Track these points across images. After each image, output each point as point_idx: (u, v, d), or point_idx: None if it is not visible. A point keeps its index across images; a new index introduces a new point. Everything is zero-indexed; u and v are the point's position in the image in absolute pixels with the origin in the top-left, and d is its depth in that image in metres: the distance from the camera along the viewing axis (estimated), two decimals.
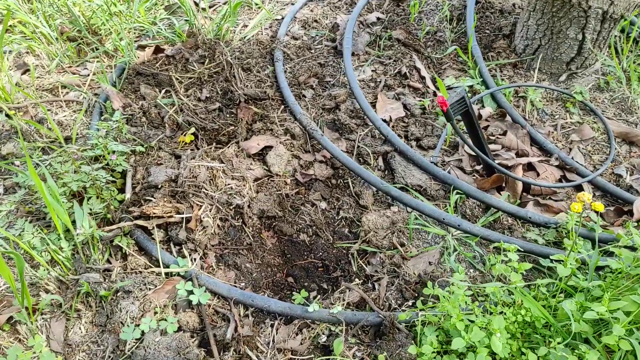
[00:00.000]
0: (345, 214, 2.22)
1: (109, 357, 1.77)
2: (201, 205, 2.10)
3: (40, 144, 2.41)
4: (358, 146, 2.44)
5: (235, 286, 1.98)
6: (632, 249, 1.92)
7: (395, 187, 2.21)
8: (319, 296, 1.98)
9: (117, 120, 2.32)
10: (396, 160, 2.34)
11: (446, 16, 3.16)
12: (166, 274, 1.95)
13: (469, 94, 2.71)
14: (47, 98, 2.75)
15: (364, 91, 2.71)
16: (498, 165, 2.22)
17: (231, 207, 2.14)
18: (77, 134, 2.52)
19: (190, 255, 2.02)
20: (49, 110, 2.68)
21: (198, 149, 2.43)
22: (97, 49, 3.00)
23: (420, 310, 1.75)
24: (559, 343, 1.53)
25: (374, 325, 1.80)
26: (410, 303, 1.87)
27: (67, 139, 2.51)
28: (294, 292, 2.01)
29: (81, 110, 2.61)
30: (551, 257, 1.75)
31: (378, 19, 3.18)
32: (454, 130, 1.99)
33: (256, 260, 2.11)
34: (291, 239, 2.17)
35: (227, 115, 2.55)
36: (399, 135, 2.47)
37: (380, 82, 2.77)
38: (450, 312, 1.62)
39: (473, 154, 2.35)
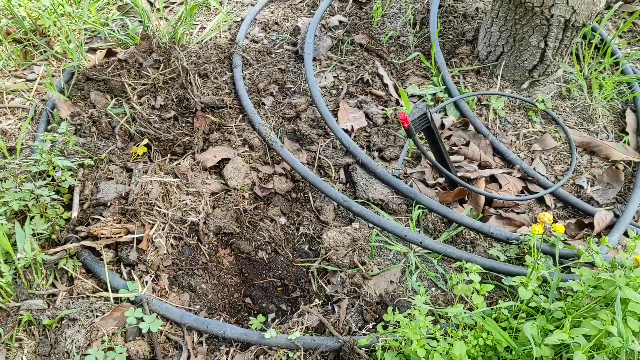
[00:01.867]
0: (305, 230, 2.15)
1: None
2: (153, 224, 2.00)
3: None
4: (319, 158, 2.37)
5: (190, 309, 1.89)
6: (593, 265, 1.91)
7: (357, 202, 2.15)
8: (277, 319, 1.91)
9: (63, 133, 2.18)
10: (358, 173, 2.28)
11: (409, 20, 3.11)
12: (115, 299, 1.84)
13: (432, 102, 2.66)
14: None
15: (325, 99, 2.63)
16: (460, 178, 2.18)
17: (185, 225, 2.05)
18: (22, 145, 2.37)
19: (141, 278, 1.92)
20: None
21: (151, 161, 2.32)
22: (44, 52, 2.84)
23: (380, 334, 1.70)
24: None
25: (334, 351, 1.74)
26: (371, 325, 1.82)
27: (11, 150, 2.37)
28: (251, 315, 1.93)
29: (27, 118, 2.46)
30: (512, 279, 1.72)
31: (340, 22, 3.10)
32: (416, 145, 1.94)
33: (212, 280, 2.03)
34: (249, 257, 2.09)
35: (183, 125, 2.44)
36: (360, 146, 2.41)
37: (342, 89, 2.70)
38: (411, 337, 1.57)
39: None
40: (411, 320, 1.64)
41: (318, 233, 2.13)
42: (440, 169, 2.08)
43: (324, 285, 1.98)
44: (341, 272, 1.98)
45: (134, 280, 1.90)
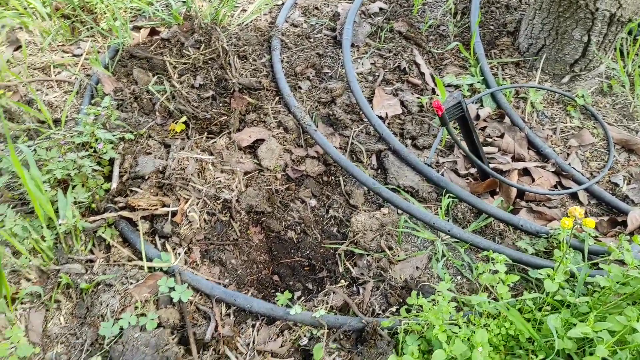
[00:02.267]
0: (334, 213, 2.18)
1: (87, 350, 1.75)
2: (188, 199, 2.06)
3: (27, 126, 2.36)
4: (352, 143, 2.40)
5: (219, 283, 1.96)
6: (623, 262, 1.89)
7: (387, 187, 2.17)
8: (303, 297, 1.95)
9: (106, 107, 2.27)
10: (389, 159, 2.30)
11: (450, 9, 3.09)
12: (149, 268, 1.92)
13: (469, 93, 2.65)
14: (39, 77, 2.70)
15: (361, 85, 2.65)
16: (493, 170, 2.17)
17: (219, 201, 2.11)
18: (67, 117, 2.47)
19: (174, 249, 1.99)
20: (39, 90, 2.62)
21: (189, 138, 2.38)
22: (91, 28, 2.93)
23: (403, 317, 1.73)
24: (543, 359, 1.51)
25: (356, 331, 1.78)
26: (394, 309, 1.85)
27: (56, 122, 2.47)
28: (278, 291, 1.99)
29: (72, 92, 2.56)
30: (539, 271, 1.72)
31: (380, 9, 3.10)
32: (449, 134, 1.95)
33: (242, 256, 2.08)
34: (279, 236, 2.14)
35: (220, 105, 2.50)
36: (394, 133, 2.42)
37: (378, 76, 2.71)
38: (433, 322, 1.59)
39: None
40: (434, 306, 1.67)
41: (347, 216, 2.16)
42: (472, 159, 2.08)
43: (350, 267, 2.01)
44: (368, 255, 2.01)
45: (167, 251, 1.98)
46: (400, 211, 2.13)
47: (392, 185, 2.22)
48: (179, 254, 1.98)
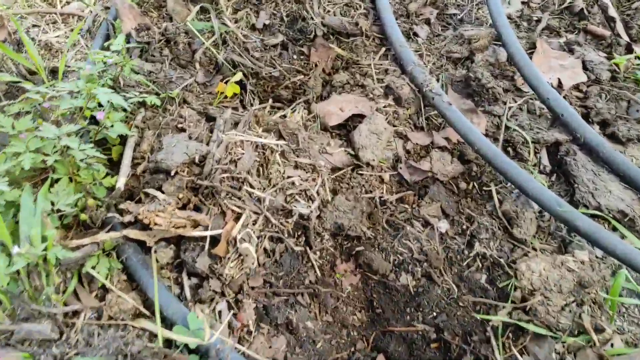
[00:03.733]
0: (483, 249, 1.29)
1: None
2: (240, 214, 1.21)
3: (10, 78, 1.56)
4: (506, 127, 1.47)
5: None
6: None
7: (581, 211, 1.24)
8: None
9: (118, 51, 1.43)
10: (577, 160, 1.36)
11: None
12: (166, 341, 1.09)
13: None
14: (39, 8, 1.89)
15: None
16: None
17: (290, 219, 1.25)
18: (67, 67, 1.66)
19: (212, 301, 1.16)
20: (36, 26, 1.82)
21: (245, 107, 1.53)
22: None
23: None
24: None
25: None
26: None
27: (53, 72, 1.67)
28: None
29: (78, 28, 1.73)
30: None
31: None
32: None
33: (324, 315, 1.23)
34: (385, 281, 1.27)
35: (294, 57, 1.62)
36: None
37: (538, 21, 1.74)
38: None
39: None
40: None
41: (507, 257, 1.26)
42: None
43: (517, 356, 1.12)
44: (555, 339, 1.11)
45: (201, 304, 1.15)
46: (614, 259, 1.21)
47: (585, 205, 1.29)
48: (220, 312, 1.14)
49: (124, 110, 1.39)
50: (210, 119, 1.46)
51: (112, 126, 1.32)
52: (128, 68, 1.42)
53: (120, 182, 1.29)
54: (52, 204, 1.19)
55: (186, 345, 1.07)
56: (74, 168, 1.25)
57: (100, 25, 1.80)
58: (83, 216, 1.23)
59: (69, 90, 1.32)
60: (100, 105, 1.32)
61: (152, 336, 1.11)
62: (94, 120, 1.36)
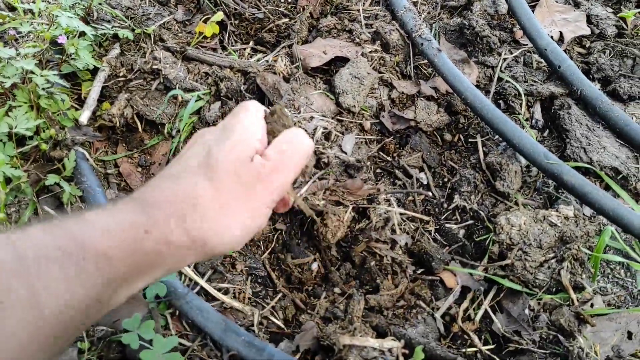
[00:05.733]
0: (463, 202, 1.20)
1: None
2: None
3: None
4: (499, 78, 1.38)
5: None
6: None
7: (570, 165, 1.15)
8: None
9: None
10: (572, 114, 1.27)
11: None
12: None
13: None
14: None
15: None
16: None
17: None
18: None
19: None
20: None
21: (224, 48, 1.45)
22: None
23: None
24: None
25: None
26: None
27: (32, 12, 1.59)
28: None
29: None
30: None
31: None
32: None
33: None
34: None
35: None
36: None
37: None
38: None
39: None
40: None
41: (488, 211, 1.18)
42: None
43: (492, 315, 1.05)
44: (530, 296, 1.03)
45: None
46: (599, 215, 1.12)
47: (576, 161, 1.21)
48: None
49: (92, 40, 1.31)
50: (188, 59, 1.38)
51: (77, 56, 1.25)
52: None
53: (84, 116, 1.23)
54: (10, 127, 1.13)
55: None
56: (35, 96, 1.19)
57: None
58: (44, 146, 1.17)
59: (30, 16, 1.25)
60: (66, 34, 1.26)
61: None
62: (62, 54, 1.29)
